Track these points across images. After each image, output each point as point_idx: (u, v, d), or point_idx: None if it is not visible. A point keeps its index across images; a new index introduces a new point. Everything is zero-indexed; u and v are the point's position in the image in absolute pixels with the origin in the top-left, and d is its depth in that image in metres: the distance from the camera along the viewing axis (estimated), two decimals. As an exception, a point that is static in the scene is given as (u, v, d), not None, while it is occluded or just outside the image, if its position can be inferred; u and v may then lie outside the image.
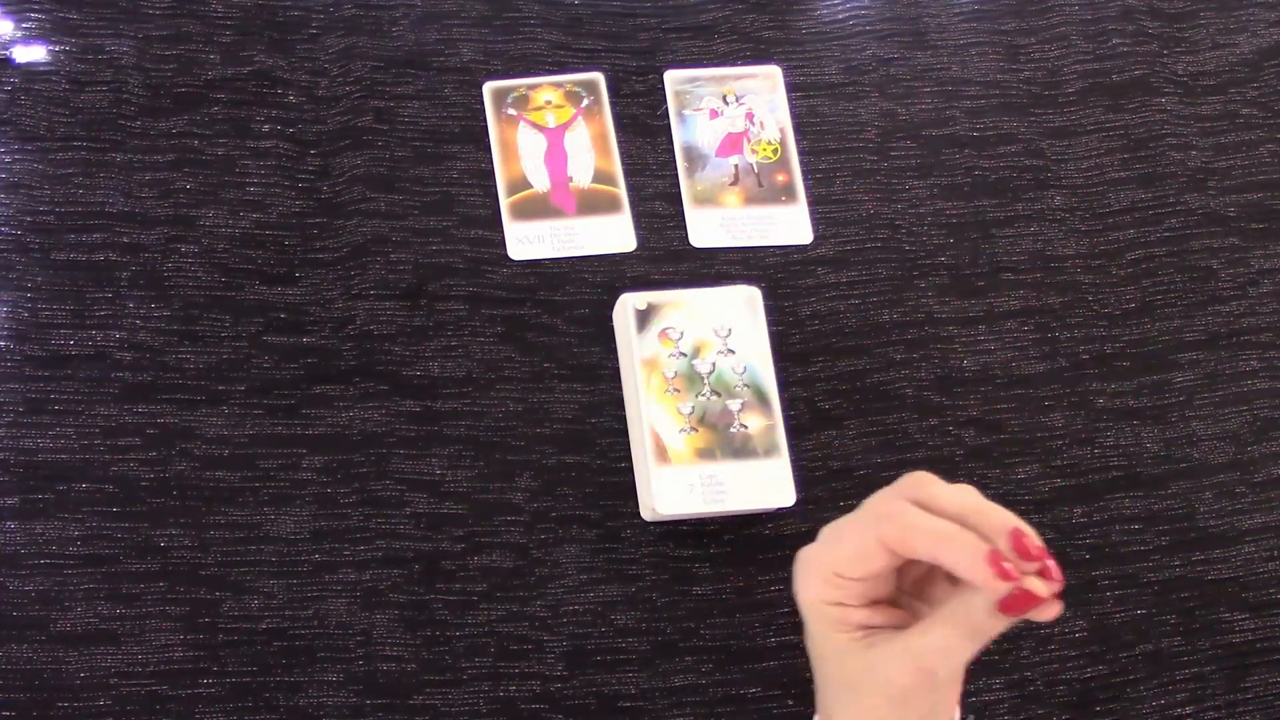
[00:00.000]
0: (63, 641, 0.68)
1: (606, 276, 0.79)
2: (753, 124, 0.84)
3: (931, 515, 0.49)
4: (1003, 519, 0.49)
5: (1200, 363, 0.80)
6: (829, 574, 0.51)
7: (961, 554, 0.48)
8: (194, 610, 0.69)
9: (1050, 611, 0.48)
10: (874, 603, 0.52)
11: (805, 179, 0.82)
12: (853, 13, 0.88)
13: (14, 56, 0.80)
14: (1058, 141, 0.85)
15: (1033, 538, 0.48)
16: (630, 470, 0.74)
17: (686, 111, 0.84)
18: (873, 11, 0.88)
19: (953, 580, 0.51)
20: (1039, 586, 0.47)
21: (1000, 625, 0.49)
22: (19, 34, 0.81)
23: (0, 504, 0.70)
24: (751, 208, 0.81)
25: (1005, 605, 0.47)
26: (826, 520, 0.74)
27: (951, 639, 0.49)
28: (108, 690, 0.67)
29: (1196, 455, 0.77)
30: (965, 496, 0.50)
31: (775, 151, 0.83)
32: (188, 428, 0.73)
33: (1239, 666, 0.73)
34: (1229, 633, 0.73)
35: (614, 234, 0.80)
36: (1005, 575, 0.47)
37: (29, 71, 0.80)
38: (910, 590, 0.54)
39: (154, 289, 0.76)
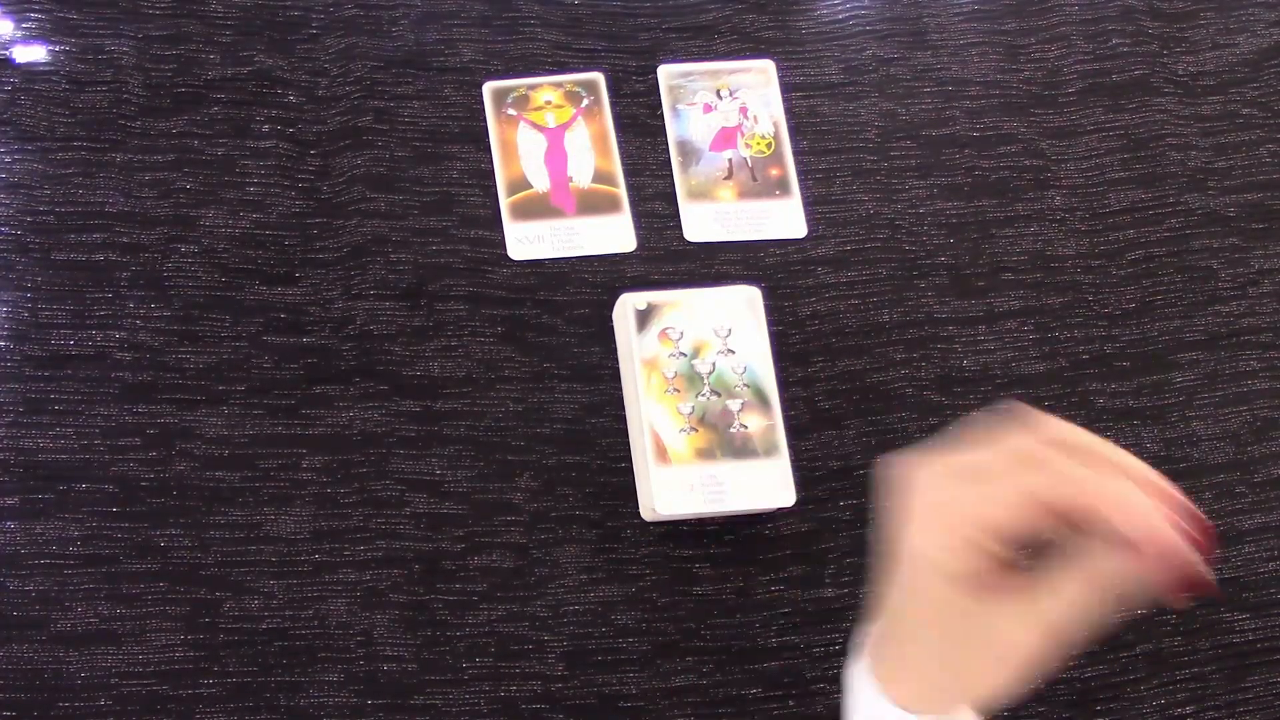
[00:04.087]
0: (63, 641, 0.68)
1: (606, 276, 0.79)
2: (746, 118, 0.84)
3: (1091, 469, 0.44)
4: (1163, 485, 0.45)
5: (1200, 363, 0.80)
6: (971, 529, 0.45)
7: (1142, 519, 0.43)
8: (194, 610, 0.69)
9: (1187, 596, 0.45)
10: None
11: (800, 174, 0.82)
12: (853, 13, 0.88)
13: (14, 56, 0.80)
14: (1058, 141, 0.85)
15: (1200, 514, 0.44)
16: (630, 470, 0.74)
17: (680, 106, 0.84)
18: (873, 11, 0.88)
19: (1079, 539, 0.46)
20: (1208, 570, 0.43)
21: (1140, 595, 0.45)
22: (19, 34, 0.81)
23: (0, 504, 0.70)
24: (745, 202, 0.82)
25: (1176, 583, 0.44)
26: (827, 520, 0.74)
27: (1088, 606, 0.46)
28: (108, 690, 0.67)
29: (1196, 455, 0.77)
30: (1111, 450, 0.46)
31: (769, 146, 0.83)
32: (188, 428, 0.73)
33: (1239, 666, 0.73)
34: (1229, 633, 0.73)
35: (614, 234, 0.80)
36: (1200, 546, 0.43)
37: (29, 71, 0.80)
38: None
39: (154, 289, 0.75)
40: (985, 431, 0.47)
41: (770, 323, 0.74)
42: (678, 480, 0.70)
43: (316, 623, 0.70)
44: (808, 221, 0.81)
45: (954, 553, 0.46)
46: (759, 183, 0.82)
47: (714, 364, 0.72)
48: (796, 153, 0.83)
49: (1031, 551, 0.48)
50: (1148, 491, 0.44)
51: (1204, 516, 0.44)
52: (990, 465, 0.46)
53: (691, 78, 0.85)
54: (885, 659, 0.50)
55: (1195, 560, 0.43)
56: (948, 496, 0.46)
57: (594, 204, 0.81)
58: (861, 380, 0.78)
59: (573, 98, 0.83)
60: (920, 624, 0.48)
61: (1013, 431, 0.47)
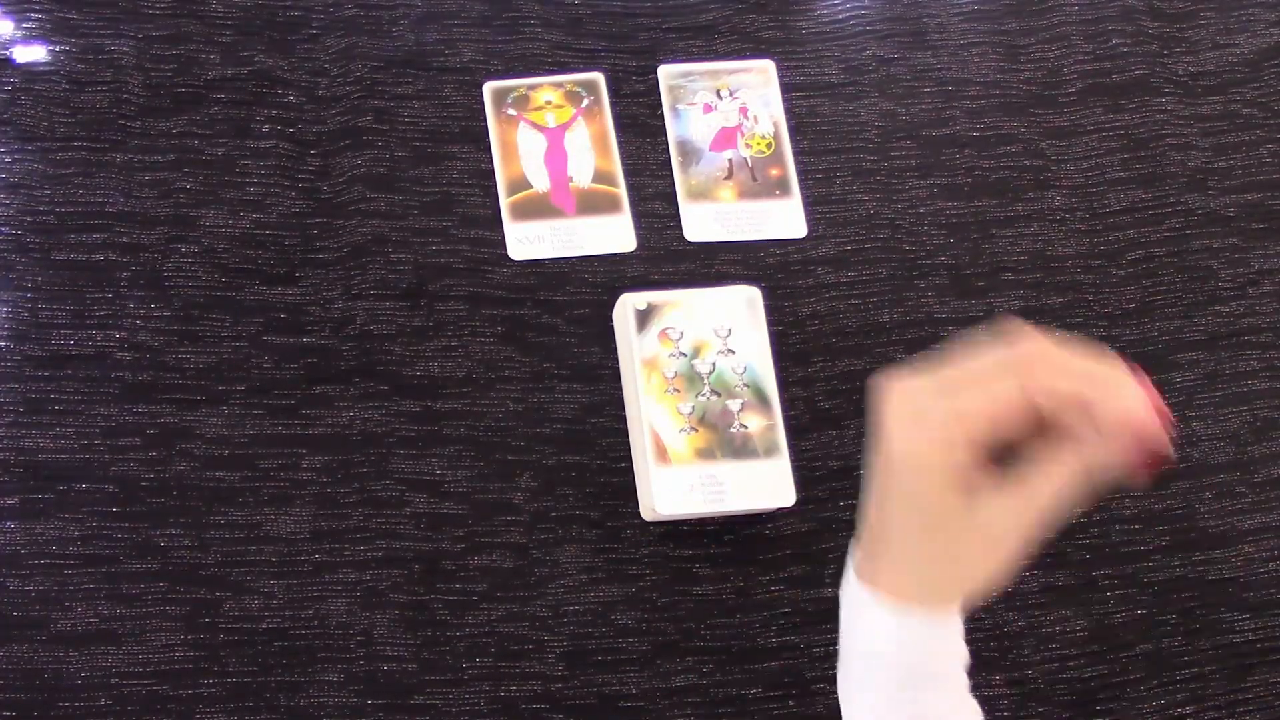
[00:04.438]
0: (63, 641, 0.68)
1: (606, 276, 0.79)
2: (746, 118, 0.84)
3: (1075, 360, 0.46)
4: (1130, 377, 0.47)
5: (1200, 363, 0.80)
6: (954, 427, 0.46)
7: (1127, 399, 0.45)
8: (194, 610, 0.69)
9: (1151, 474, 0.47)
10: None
11: (800, 174, 0.82)
12: (853, 13, 0.88)
13: (14, 56, 0.80)
14: (1058, 141, 0.85)
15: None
16: (630, 470, 0.74)
17: (680, 106, 0.84)
18: (873, 11, 0.88)
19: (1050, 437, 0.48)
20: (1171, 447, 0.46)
21: (1109, 477, 0.47)
22: (19, 34, 0.81)
23: (0, 504, 0.70)
24: (745, 202, 0.82)
25: (1146, 461, 0.46)
26: (827, 520, 0.74)
27: (1068, 491, 0.47)
28: (108, 690, 0.67)
29: (1196, 455, 0.77)
30: (1085, 355, 0.47)
31: (769, 146, 0.83)
32: (188, 428, 0.73)
33: (1239, 666, 0.73)
34: (1229, 633, 0.73)
35: (614, 234, 0.80)
36: (1167, 418, 0.45)
37: (29, 71, 0.80)
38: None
39: (154, 289, 0.75)
40: (969, 348, 0.48)
41: (770, 323, 0.74)
42: (678, 480, 0.70)
43: (316, 623, 0.70)
44: (808, 221, 0.81)
45: (936, 449, 0.46)
46: (759, 183, 0.82)
47: (714, 364, 0.72)
48: (796, 153, 0.83)
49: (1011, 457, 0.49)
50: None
51: (1161, 402, 0.46)
52: (967, 375, 0.47)
53: (691, 78, 0.85)
54: (875, 559, 0.50)
55: (1163, 438, 0.45)
56: (926, 405, 0.47)
57: (594, 204, 0.81)
58: (861, 380, 0.78)
59: (573, 98, 0.83)
60: (908, 522, 0.49)
61: (994, 347, 0.48)
